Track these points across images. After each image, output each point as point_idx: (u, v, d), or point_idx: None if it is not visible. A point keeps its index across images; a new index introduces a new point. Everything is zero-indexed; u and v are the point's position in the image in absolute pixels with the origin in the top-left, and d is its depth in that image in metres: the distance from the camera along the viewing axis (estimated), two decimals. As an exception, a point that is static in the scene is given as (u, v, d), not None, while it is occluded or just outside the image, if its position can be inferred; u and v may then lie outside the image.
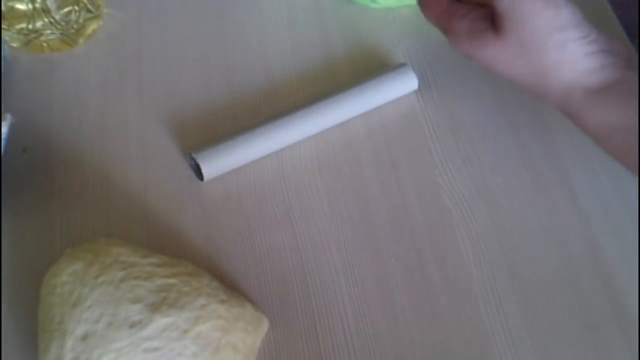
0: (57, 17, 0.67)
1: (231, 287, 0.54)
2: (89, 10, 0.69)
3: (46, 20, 0.67)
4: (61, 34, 0.68)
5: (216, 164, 0.59)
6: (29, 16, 0.66)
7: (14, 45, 0.68)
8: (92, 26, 0.69)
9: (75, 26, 0.68)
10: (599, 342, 0.53)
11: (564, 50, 0.49)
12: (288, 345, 0.53)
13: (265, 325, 0.52)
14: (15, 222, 0.58)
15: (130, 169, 0.62)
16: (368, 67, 0.67)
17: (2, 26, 0.67)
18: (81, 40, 0.69)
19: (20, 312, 0.53)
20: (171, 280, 0.49)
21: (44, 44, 0.68)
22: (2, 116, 0.58)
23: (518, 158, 0.63)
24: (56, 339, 0.46)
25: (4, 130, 0.57)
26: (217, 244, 0.57)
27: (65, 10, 0.67)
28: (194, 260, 0.54)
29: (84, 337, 0.46)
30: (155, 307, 0.47)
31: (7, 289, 0.54)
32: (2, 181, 0.59)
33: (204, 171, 0.58)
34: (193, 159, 0.59)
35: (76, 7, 0.68)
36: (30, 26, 0.67)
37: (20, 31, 0.67)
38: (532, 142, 0.64)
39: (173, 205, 0.59)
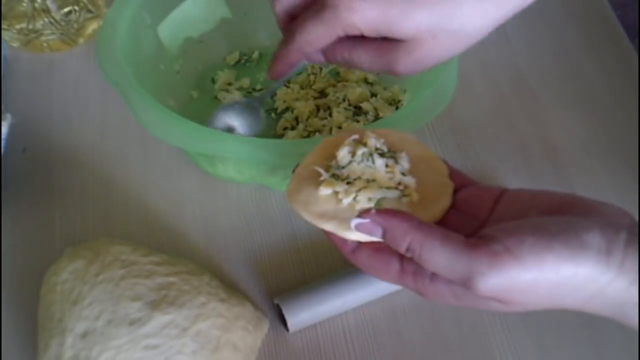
0: (57, 17, 0.67)
1: (232, 286, 0.54)
2: (89, 10, 0.69)
3: (46, 20, 0.67)
4: (61, 34, 0.68)
5: (302, 316, 0.53)
6: (29, 16, 0.66)
7: (14, 45, 0.69)
8: (92, 26, 0.70)
9: (75, 26, 0.68)
10: (599, 342, 0.53)
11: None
12: (288, 346, 0.53)
13: (265, 324, 0.52)
14: (15, 222, 0.58)
15: (130, 169, 0.62)
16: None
17: (2, 26, 0.67)
18: (81, 40, 0.69)
19: (20, 310, 0.53)
20: (171, 279, 0.49)
21: (44, 44, 0.68)
22: (2, 116, 0.58)
23: (518, 158, 0.63)
24: (56, 337, 0.46)
25: (4, 130, 0.58)
26: (217, 244, 0.57)
27: (65, 10, 0.67)
28: (194, 259, 0.54)
29: (84, 335, 0.46)
30: (155, 305, 0.47)
31: (7, 289, 0.54)
32: (2, 181, 0.59)
33: (289, 322, 0.53)
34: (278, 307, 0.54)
35: (76, 7, 0.68)
36: (30, 26, 0.67)
37: (20, 31, 0.67)
38: (532, 142, 0.64)
39: (173, 205, 0.60)
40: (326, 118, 0.63)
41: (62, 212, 0.59)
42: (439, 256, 0.35)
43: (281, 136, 0.63)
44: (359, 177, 0.39)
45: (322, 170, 0.40)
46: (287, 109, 0.65)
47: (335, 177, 0.40)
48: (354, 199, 0.38)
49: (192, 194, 0.60)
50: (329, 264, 0.56)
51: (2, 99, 0.64)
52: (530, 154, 0.63)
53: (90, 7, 0.69)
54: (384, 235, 0.37)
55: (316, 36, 0.44)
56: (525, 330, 0.54)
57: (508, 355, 0.52)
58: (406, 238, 0.36)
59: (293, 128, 0.63)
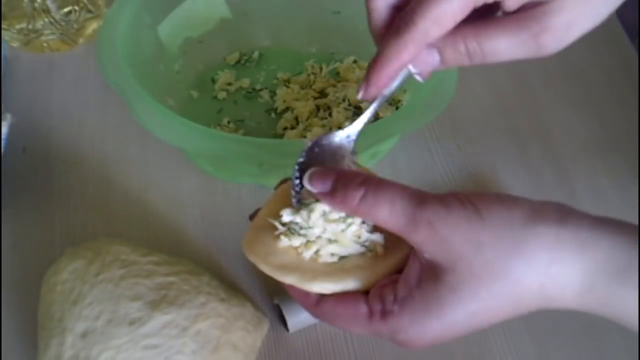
0: (57, 17, 0.67)
1: (232, 286, 0.54)
2: (89, 10, 0.69)
3: (46, 20, 0.67)
4: (61, 34, 0.68)
5: (302, 316, 0.53)
6: (29, 16, 0.66)
7: (14, 45, 0.69)
8: (92, 26, 0.70)
9: (75, 26, 0.68)
10: (599, 342, 0.53)
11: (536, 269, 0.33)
12: (288, 346, 0.53)
13: (265, 325, 0.52)
14: (15, 222, 0.58)
15: (130, 169, 0.62)
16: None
17: (2, 26, 0.67)
18: (81, 40, 0.69)
19: (20, 310, 0.53)
20: (171, 279, 0.49)
21: (44, 44, 0.68)
22: (2, 116, 0.58)
23: (518, 158, 0.63)
24: (56, 336, 0.46)
25: (4, 130, 0.58)
26: (217, 244, 0.57)
27: (65, 10, 0.67)
28: (194, 259, 0.54)
29: (84, 334, 0.46)
30: (155, 305, 0.47)
31: (7, 289, 0.54)
32: (2, 181, 0.59)
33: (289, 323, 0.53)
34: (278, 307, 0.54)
35: (76, 7, 0.68)
36: (30, 26, 0.67)
37: (20, 31, 0.67)
38: (532, 142, 0.64)
39: (173, 205, 0.59)
40: (326, 118, 0.63)
41: (62, 212, 0.59)
42: (396, 190, 0.35)
43: (281, 136, 0.63)
44: (321, 233, 0.38)
45: (277, 224, 0.38)
46: (287, 109, 0.65)
47: (292, 230, 0.38)
48: (316, 253, 0.37)
49: (192, 194, 0.60)
50: (329, 264, 0.56)
51: (2, 99, 0.64)
52: (530, 154, 0.63)
53: (90, 7, 0.69)
54: (336, 180, 0.36)
55: (449, 8, 0.34)
56: (525, 330, 0.54)
57: (508, 356, 0.52)
58: (360, 176, 0.36)
59: (293, 128, 0.63)
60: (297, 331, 0.53)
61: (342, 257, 0.38)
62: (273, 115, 0.65)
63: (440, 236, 0.33)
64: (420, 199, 0.35)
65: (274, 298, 0.54)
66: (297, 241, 0.38)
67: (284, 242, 0.38)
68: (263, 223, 0.39)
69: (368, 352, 0.53)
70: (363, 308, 0.36)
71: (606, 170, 0.62)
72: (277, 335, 0.53)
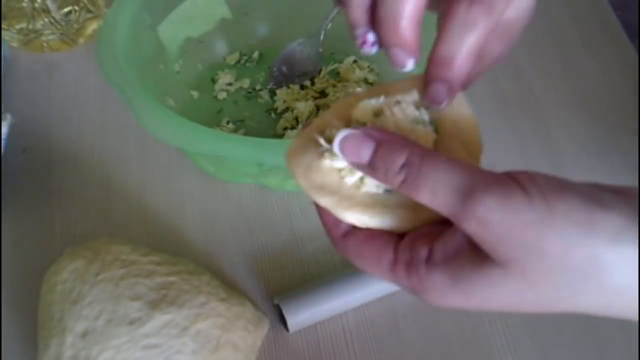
0: (57, 17, 0.67)
1: (232, 286, 0.54)
2: (89, 10, 0.69)
3: (46, 20, 0.67)
4: (61, 34, 0.68)
5: (301, 316, 0.53)
6: (29, 16, 0.66)
7: (14, 45, 0.69)
8: (92, 26, 0.70)
9: (75, 26, 0.68)
10: (599, 342, 0.53)
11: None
12: (288, 346, 0.53)
13: (265, 324, 0.52)
14: (15, 222, 0.58)
15: (130, 169, 0.62)
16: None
17: (2, 26, 0.67)
18: (81, 40, 0.69)
19: (20, 310, 0.53)
20: (171, 278, 0.49)
21: (44, 44, 0.68)
22: (2, 116, 0.58)
23: (518, 158, 0.63)
24: (56, 336, 0.46)
25: (4, 130, 0.58)
26: (217, 244, 0.57)
27: (65, 10, 0.67)
28: (194, 259, 0.54)
29: (84, 334, 0.46)
30: (155, 305, 0.47)
31: (7, 289, 0.54)
32: (2, 181, 0.59)
33: (289, 322, 0.53)
34: (278, 307, 0.54)
35: (76, 7, 0.68)
36: (30, 26, 0.67)
37: (20, 31, 0.67)
38: (532, 142, 0.64)
39: (173, 205, 0.59)
40: (326, 118, 0.63)
41: (62, 212, 0.59)
42: (441, 172, 0.30)
43: (281, 136, 0.63)
44: None
45: (321, 140, 0.33)
46: (287, 109, 0.65)
47: None
48: (361, 180, 0.33)
49: (192, 194, 0.60)
50: (329, 264, 0.56)
51: (2, 99, 0.64)
52: (530, 154, 0.63)
53: (90, 7, 0.69)
54: (376, 152, 0.31)
55: None
56: (525, 330, 0.53)
57: (508, 356, 0.52)
58: (404, 150, 0.31)
59: (293, 128, 0.63)
60: (297, 331, 0.53)
61: (387, 191, 0.33)
62: (273, 115, 0.65)
63: (495, 235, 0.29)
64: (470, 187, 0.29)
65: (274, 298, 0.54)
66: (341, 163, 0.33)
67: (327, 162, 0.33)
68: (314, 135, 0.34)
69: (368, 352, 0.53)
70: (389, 254, 0.32)
71: (606, 170, 0.62)
72: (277, 335, 0.53)
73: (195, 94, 0.66)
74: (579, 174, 0.62)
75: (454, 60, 0.34)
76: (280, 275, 0.56)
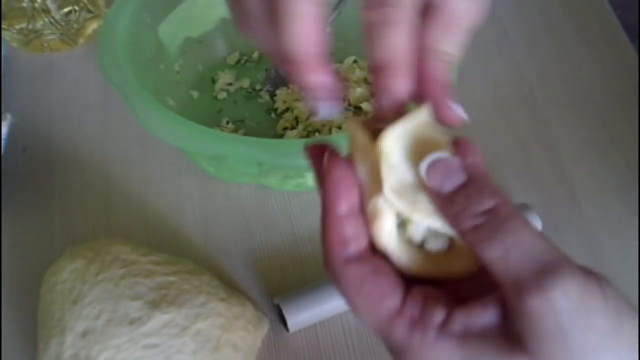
0: (57, 17, 0.67)
1: (232, 286, 0.54)
2: (89, 10, 0.69)
3: (46, 20, 0.67)
4: (61, 34, 0.68)
5: (301, 316, 0.53)
6: (29, 16, 0.66)
7: (14, 45, 0.69)
8: (92, 26, 0.70)
9: (75, 26, 0.68)
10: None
11: None
12: (288, 346, 0.53)
13: (265, 324, 0.52)
14: (15, 222, 0.58)
15: (130, 169, 0.62)
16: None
17: (2, 26, 0.67)
18: (81, 40, 0.69)
19: (20, 311, 0.53)
20: (171, 278, 0.49)
21: (44, 44, 0.68)
22: (2, 116, 0.58)
23: (518, 158, 0.63)
24: (56, 336, 0.46)
25: (4, 130, 0.58)
26: (217, 244, 0.57)
27: (65, 10, 0.67)
28: (194, 259, 0.54)
29: (84, 334, 0.46)
30: (155, 304, 0.47)
31: (7, 289, 0.54)
32: (2, 181, 0.59)
33: (289, 323, 0.52)
34: (278, 307, 0.53)
35: (76, 7, 0.68)
36: (30, 26, 0.67)
37: (20, 31, 0.67)
38: (532, 142, 0.64)
39: (173, 205, 0.59)
40: (326, 118, 0.63)
41: (62, 212, 0.59)
42: (526, 235, 0.26)
43: (281, 136, 0.63)
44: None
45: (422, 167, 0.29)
46: (287, 109, 0.65)
47: None
48: (401, 225, 0.29)
49: (192, 194, 0.60)
50: (329, 264, 0.56)
51: (2, 99, 0.64)
52: (530, 154, 0.63)
53: (90, 7, 0.69)
54: (464, 186, 0.28)
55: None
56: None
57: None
58: (496, 196, 0.27)
59: (293, 128, 0.63)
60: (297, 331, 0.53)
61: (420, 246, 0.30)
62: (273, 115, 0.65)
63: (556, 324, 0.25)
64: (553, 264, 0.26)
65: (274, 298, 0.54)
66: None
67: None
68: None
69: (368, 352, 0.53)
70: (395, 300, 0.28)
71: (606, 170, 0.62)
72: (277, 335, 0.53)
73: (195, 94, 0.66)
74: (579, 174, 0.62)
75: (389, 64, 0.30)
76: (280, 275, 0.56)
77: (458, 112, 0.32)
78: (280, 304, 0.52)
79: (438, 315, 0.27)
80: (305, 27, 0.31)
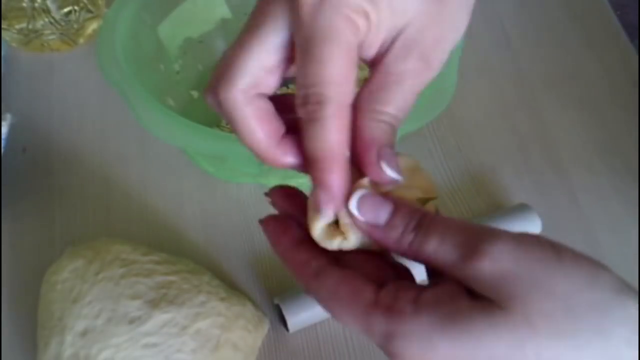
0: (57, 17, 0.67)
1: (232, 286, 0.54)
2: (89, 10, 0.69)
3: (46, 20, 0.67)
4: (61, 34, 0.68)
5: (301, 316, 0.53)
6: (29, 16, 0.66)
7: (14, 45, 0.69)
8: (92, 26, 0.70)
9: (75, 26, 0.68)
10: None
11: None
12: (288, 346, 0.53)
13: (265, 324, 0.52)
14: (15, 222, 0.58)
15: (130, 169, 0.62)
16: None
17: (2, 26, 0.67)
18: (81, 40, 0.69)
19: (20, 310, 0.53)
20: (171, 278, 0.49)
21: (44, 44, 0.68)
22: (2, 116, 0.58)
23: (518, 158, 0.63)
24: (56, 335, 0.46)
25: (4, 130, 0.58)
26: (217, 243, 0.57)
27: (65, 10, 0.67)
28: (194, 258, 0.54)
29: (84, 333, 0.46)
30: (155, 304, 0.47)
31: (7, 289, 0.54)
32: (2, 181, 0.59)
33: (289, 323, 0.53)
34: (278, 307, 0.53)
35: (76, 7, 0.68)
36: (30, 26, 0.67)
37: (20, 31, 0.67)
38: (532, 142, 0.64)
39: (173, 204, 0.59)
40: (326, 118, 0.63)
41: (62, 212, 0.59)
42: (452, 223, 0.29)
43: (281, 136, 0.63)
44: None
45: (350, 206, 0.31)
46: (287, 109, 0.65)
47: None
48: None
49: (192, 193, 0.60)
50: (329, 264, 0.56)
51: (2, 99, 0.64)
52: (530, 154, 0.63)
53: (90, 7, 0.69)
54: (394, 213, 0.30)
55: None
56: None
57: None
58: (418, 212, 0.30)
59: (293, 128, 0.63)
60: (297, 331, 0.53)
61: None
62: (273, 115, 0.65)
63: (504, 270, 0.27)
64: (481, 232, 0.29)
65: (274, 298, 0.54)
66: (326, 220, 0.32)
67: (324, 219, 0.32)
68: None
69: (368, 352, 0.53)
70: (369, 294, 0.29)
71: (606, 170, 0.62)
72: (277, 335, 0.53)
73: (195, 94, 0.66)
74: (579, 174, 0.62)
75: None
76: (280, 275, 0.56)
77: (389, 173, 0.32)
78: (280, 304, 0.52)
79: (409, 293, 0.29)
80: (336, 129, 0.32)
